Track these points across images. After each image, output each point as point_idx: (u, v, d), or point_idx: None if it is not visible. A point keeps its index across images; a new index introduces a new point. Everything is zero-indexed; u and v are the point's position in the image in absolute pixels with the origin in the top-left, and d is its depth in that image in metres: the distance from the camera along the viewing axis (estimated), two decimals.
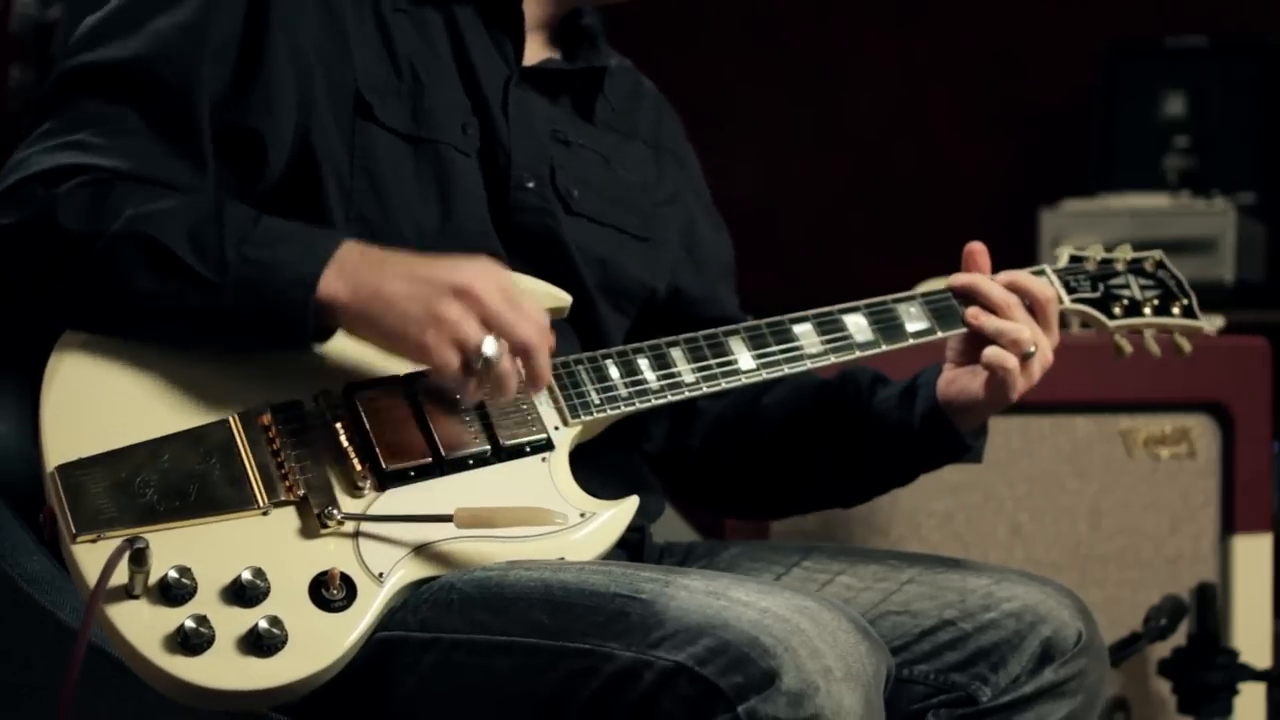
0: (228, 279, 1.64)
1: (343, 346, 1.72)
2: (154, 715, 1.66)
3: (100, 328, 1.68)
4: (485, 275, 1.67)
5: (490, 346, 1.65)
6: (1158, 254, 2.11)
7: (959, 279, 1.94)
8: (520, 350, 1.68)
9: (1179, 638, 2.70)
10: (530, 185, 1.87)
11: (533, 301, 1.71)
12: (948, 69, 4.78)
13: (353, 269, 1.66)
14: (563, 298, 1.82)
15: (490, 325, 1.66)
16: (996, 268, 1.97)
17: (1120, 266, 2.08)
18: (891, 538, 2.62)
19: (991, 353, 1.88)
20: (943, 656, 1.81)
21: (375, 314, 1.66)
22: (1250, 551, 2.80)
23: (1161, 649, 2.72)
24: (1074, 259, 2.07)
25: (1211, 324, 2.15)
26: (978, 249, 1.97)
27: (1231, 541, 2.79)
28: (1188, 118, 4.32)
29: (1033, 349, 1.88)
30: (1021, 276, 1.95)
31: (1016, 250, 4.30)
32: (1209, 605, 2.70)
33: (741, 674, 1.52)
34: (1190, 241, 4.01)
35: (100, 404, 1.66)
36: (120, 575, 1.56)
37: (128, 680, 1.63)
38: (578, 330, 1.87)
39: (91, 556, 1.58)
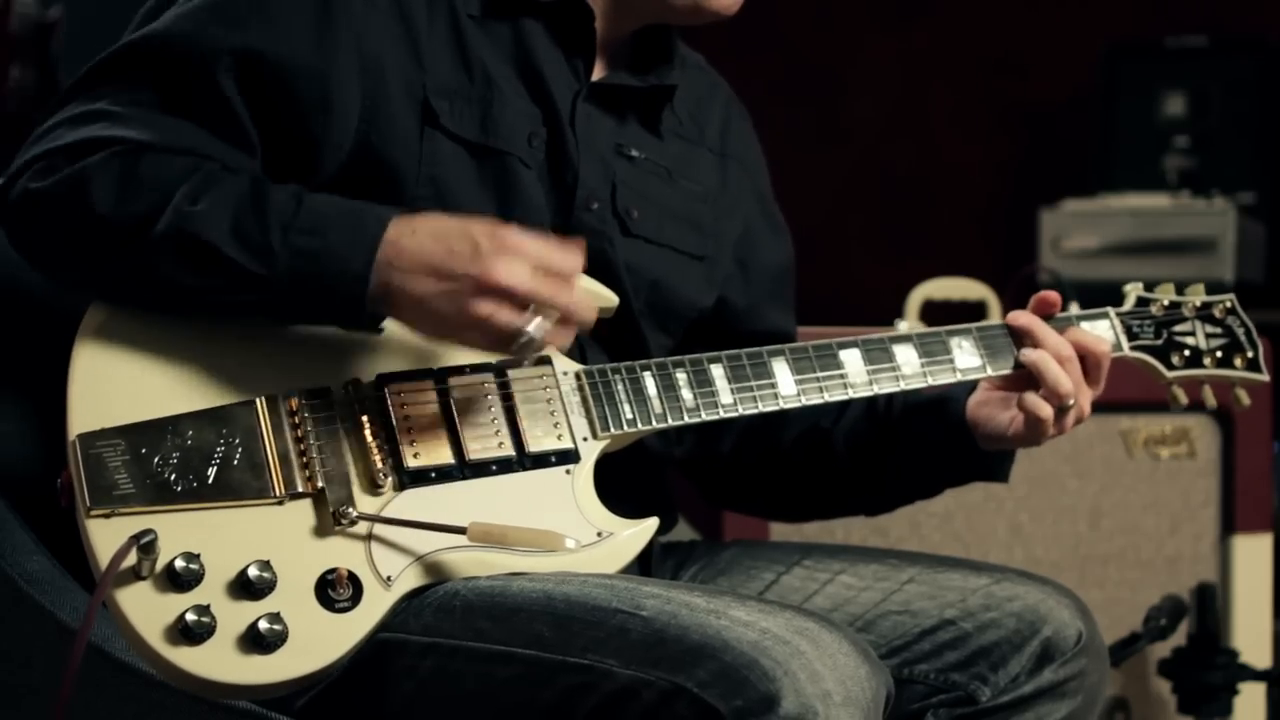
0: (277, 270, 1.63)
1: (379, 334, 1.70)
2: (153, 715, 1.66)
3: (148, 309, 1.67)
4: (507, 259, 1.62)
5: (533, 327, 1.63)
6: (1229, 299, 2.02)
7: (1018, 319, 1.89)
8: (566, 316, 1.65)
9: (1179, 638, 2.71)
10: (594, 207, 1.84)
11: (559, 253, 1.65)
12: (948, 69, 4.77)
13: (392, 255, 1.62)
14: (610, 298, 1.79)
15: (529, 304, 1.63)
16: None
17: (1188, 311, 1.99)
18: (891, 538, 2.62)
19: (1030, 400, 1.85)
20: (943, 656, 1.82)
21: (413, 317, 1.65)
22: (1250, 551, 2.80)
23: (1161, 649, 2.72)
24: (1141, 300, 1.99)
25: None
26: (1052, 299, 1.92)
27: (1231, 541, 2.80)
28: (1188, 118, 4.32)
29: (1071, 403, 1.85)
30: (1081, 334, 1.89)
31: (1016, 250, 4.30)
32: (1209, 605, 2.70)
33: (741, 697, 1.51)
34: (1190, 241, 4.01)
35: (128, 374, 1.65)
36: (128, 558, 1.56)
37: (127, 681, 1.63)
38: (620, 351, 1.84)
39: (103, 533, 1.58)
